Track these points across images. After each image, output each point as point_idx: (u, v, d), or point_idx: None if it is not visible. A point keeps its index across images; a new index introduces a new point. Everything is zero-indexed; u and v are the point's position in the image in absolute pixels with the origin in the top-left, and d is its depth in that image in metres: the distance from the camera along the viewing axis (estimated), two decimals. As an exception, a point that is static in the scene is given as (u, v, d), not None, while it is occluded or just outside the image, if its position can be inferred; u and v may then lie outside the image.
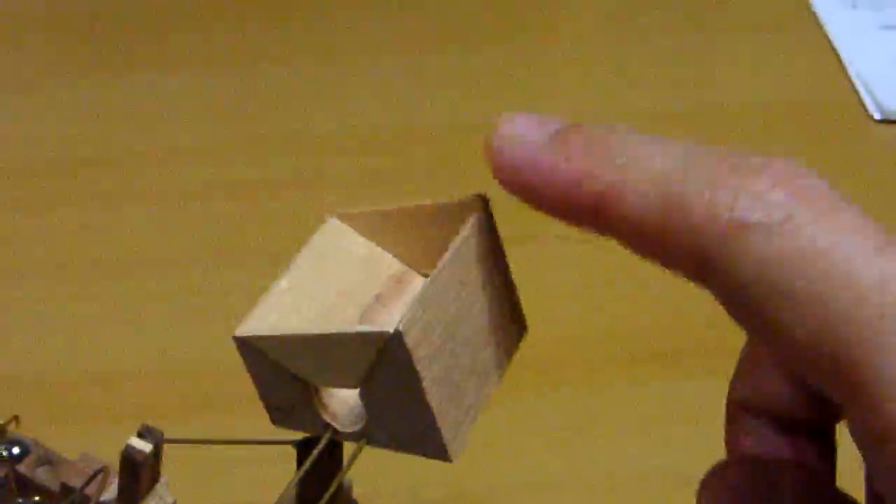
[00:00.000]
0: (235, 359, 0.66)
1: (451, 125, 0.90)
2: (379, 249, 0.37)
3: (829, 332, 0.26)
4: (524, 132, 0.30)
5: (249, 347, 0.34)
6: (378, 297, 0.36)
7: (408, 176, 0.84)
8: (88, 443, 0.50)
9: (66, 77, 0.96)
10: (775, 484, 0.32)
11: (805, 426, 0.34)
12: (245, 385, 0.63)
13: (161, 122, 0.91)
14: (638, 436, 0.61)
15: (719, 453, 0.58)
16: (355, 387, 0.33)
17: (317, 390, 0.34)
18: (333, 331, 0.32)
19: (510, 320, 0.36)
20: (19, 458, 0.51)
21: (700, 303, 0.67)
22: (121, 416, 0.52)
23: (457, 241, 0.33)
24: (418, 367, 0.31)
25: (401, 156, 0.86)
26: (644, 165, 0.28)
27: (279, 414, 0.36)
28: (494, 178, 0.31)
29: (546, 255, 0.73)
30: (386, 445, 0.34)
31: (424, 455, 0.34)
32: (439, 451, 0.33)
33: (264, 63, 0.97)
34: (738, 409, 0.35)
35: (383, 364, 0.31)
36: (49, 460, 0.51)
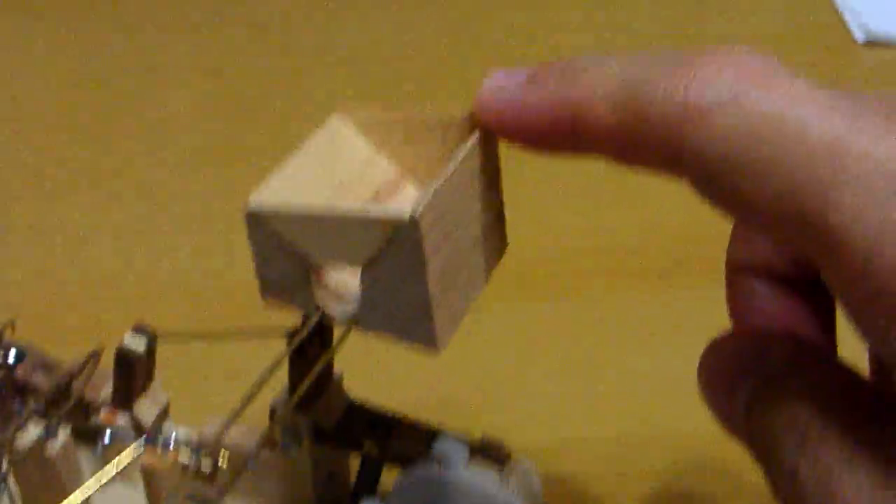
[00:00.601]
0: (226, 277, 0.68)
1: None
2: (377, 152, 0.38)
3: (791, 194, 0.27)
4: (503, 83, 0.33)
5: (258, 221, 0.35)
6: (376, 195, 0.37)
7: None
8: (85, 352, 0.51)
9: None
10: (765, 353, 0.33)
11: (802, 286, 0.35)
12: (236, 301, 0.65)
13: (178, 39, 0.92)
14: (637, 345, 0.62)
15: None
16: (359, 268, 0.34)
17: (315, 271, 0.35)
18: (350, 211, 0.33)
19: (496, 235, 0.37)
20: (15, 362, 0.52)
21: (703, 214, 0.67)
22: (117, 327, 0.53)
23: (465, 149, 0.34)
24: (427, 254, 0.32)
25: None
26: (608, 74, 0.31)
27: (272, 290, 0.36)
28: (484, 127, 0.34)
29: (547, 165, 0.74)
30: (375, 329, 0.35)
31: (412, 341, 0.35)
32: (428, 339, 0.34)
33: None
34: (737, 271, 0.36)
35: (392, 247, 0.32)
36: (46, 365, 0.52)
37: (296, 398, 0.35)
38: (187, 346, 0.49)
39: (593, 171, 0.76)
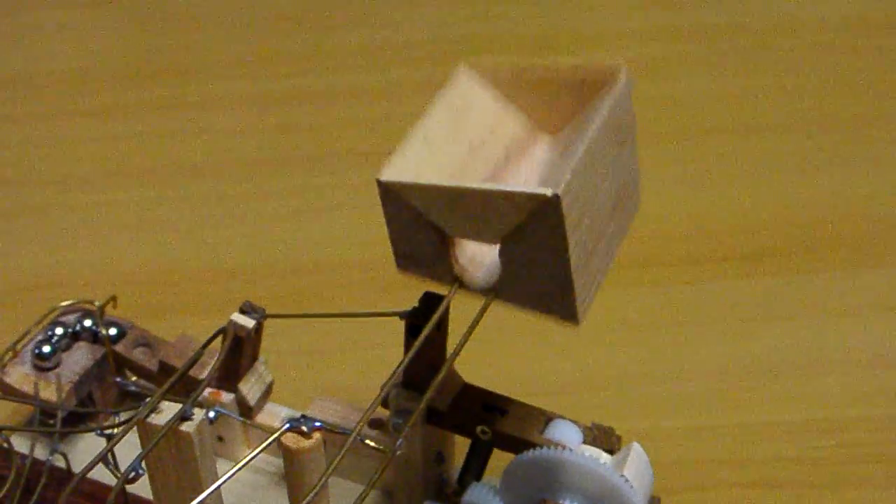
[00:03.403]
0: (325, 255, 0.67)
1: (515, 36, 0.90)
2: (507, 105, 0.37)
3: None
4: None
5: (392, 193, 0.34)
6: (507, 154, 0.37)
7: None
8: (184, 330, 0.51)
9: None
10: None
11: None
12: (338, 279, 0.65)
13: (232, 30, 0.92)
14: (728, 330, 0.62)
15: (803, 348, 0.60)
16: (496, 242, 0.33)
17: (452, 244, 0.35)
18: (489, 188, 0.33)
19: (631, 195, 0.37)
20: (117, 338, 0.52)
21: (786, 204, 0.67)
22: (216, 308, 0.53)
23: (604, 110, 0.33)
24: (567, 231, 0.32)
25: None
26: None
27: (408, 261, 0.36)
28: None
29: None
30: (515, 302, 0.35)
31: (551, 314, 0.35)
32: (568, 312, 0.34)
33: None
34: None
35: (533, 225, 0.32)
36: (146, 342, 0.52)
37: (431, 389, 0.35)
38: (288, 326, 0.49)
39: (682, 157, 0.77)
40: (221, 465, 0.47)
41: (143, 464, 0.36)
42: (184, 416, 0.35)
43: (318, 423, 0.34)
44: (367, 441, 0.32)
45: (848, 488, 0.54)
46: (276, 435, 0.33)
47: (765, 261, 0.67)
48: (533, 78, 0.36)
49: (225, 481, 0.34)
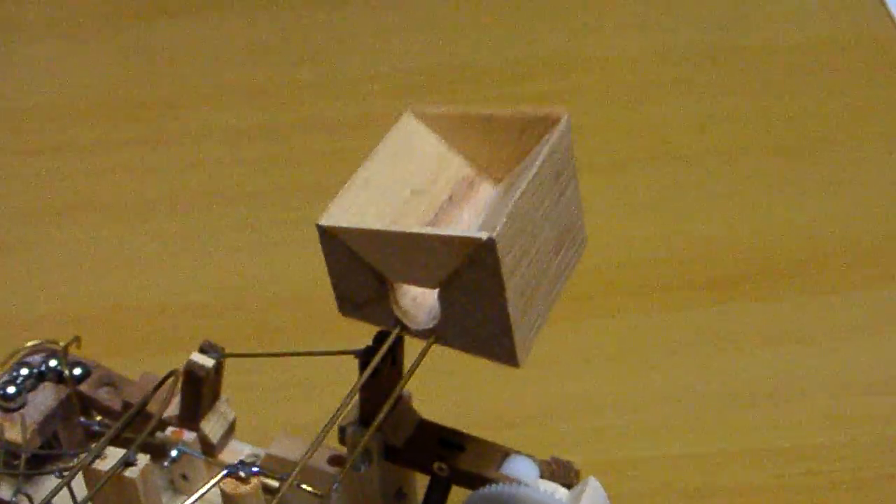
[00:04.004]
0: (288, 290, 0.68)
1: (493, 64, 0.91)
2: (450, 150, 0.38)
3: None
4: None
5: (331, 237, 0.35)
6: (451, 199, 0.37)
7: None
8: (148, 369, 0.51)
9: (108, 22, 0.98)
10: None
11: None
12: (299, 314, 0.65)
13: (207, 64, 0.93)
14: (692, 359, 0.62)
15: (768, 376, 0.60)
16: (435, 287, 0.34)
17: (392, 287, 0.35)
18: (425, 232, 0.33)
19: (576, 233, 0.37)
20: (81, 378, 0.52)
21: (750, 231, 0.67)
22: (180, 345, 0.53)
23: (543, 155, 0.34)
24: (504, 275, 0.32)
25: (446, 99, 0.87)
26: None
27: (350, 305, 0.36)
28: None
29: (600, 184, 0.74)
30: (455, 345, 0.35)
31: (491, 358, 0.35)
32: (508, 355, 0.34)
33: (301, 8, 0.98)
34: None
35: (470, 268, 0.32)
36: (110, 381, 0.52)
37: (376, 424, 0.35)
38: (251, 362, 0.50)
39: (644, 185, 0.77)
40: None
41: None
42: (127, 462, 0.35)
43: (255, 470, 0.34)
44: (303, 486, 0.32)
45: (815, 516, 0.54)
46: (214, 481, 0.33)
47: (729, 288, 0.67)
48: (475, 125, 0.37)
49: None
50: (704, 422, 0.58)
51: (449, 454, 0.44)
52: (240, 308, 0.68)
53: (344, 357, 0.43)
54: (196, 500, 0.32)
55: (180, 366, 0.45)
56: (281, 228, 0.73)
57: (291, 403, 0.58)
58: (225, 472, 0.33)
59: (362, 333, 0.42)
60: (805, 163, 0.77)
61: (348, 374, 0.46)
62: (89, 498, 0.34)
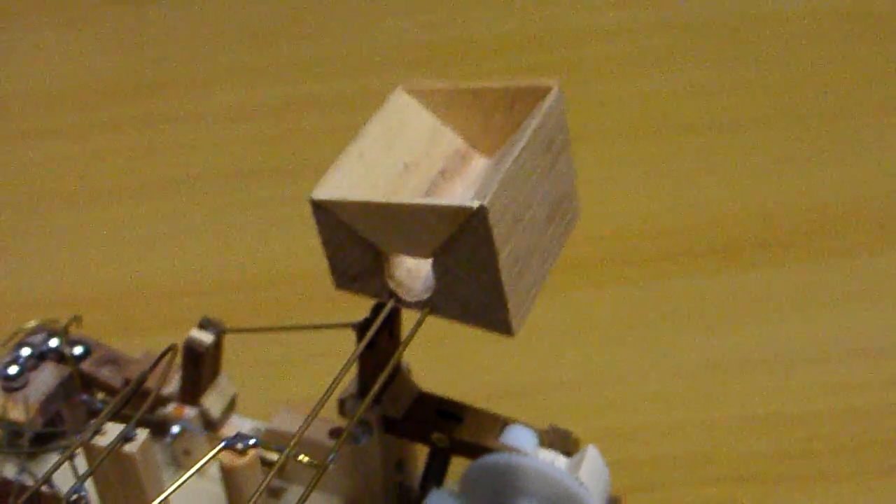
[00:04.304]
0: (288, 267, 0.68)
1: (490, 37, 0.90)
2: (443, 125, 0.38)
3: None
4: None
5: (325, 211, 0.35)
6: (442, 172, 0.37)
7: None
8: (149, 347, 0.51)
9: (101, 4, 0.97)
10: None
11: None
12: (299, 291, 0.66)
13: (202, 45, 0.93)
14: (692, 327, 0.62)
15: (770, 343, 0.60)
16: (429, 257, 0.34)
17: (386, 259, 0.35)
18: (417, 202, 0.33)
19: (569, 204, 0.37)
20: (82, 357, 0.52)
21: (750, 199, 0.67)
22: (181, 324, 0.53)
23: (533, 125, 0.34)
24: (496, 243, 0.32)
25: (442, 74, 0.87)
26: None
27: (345, 278, 0.36)
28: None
29: (597, 155, 0.74)
30: (450, 316, 0.35)
31: (486, 327, 0.35)
32: (502, 324, 0.34)
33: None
34: None
35: (462, 238, 0.32)
36: (112, 359, 0.52)
37: (371, 395, 0.35)
38: (252, 338, 0.50)
39: (642, 156, 0.77)
40: (192, 481, 0.47)
41: (92, 485, 0.37)
42: (126, 437, 0.35)
43: (252, 441, 0.34)
44: (301, 458, 0.32)
45: (817, 481, 0.54)
46: (211, 454, 0.33)
47: (730, 256, 0.67)
48: (466, 98, 0.37)
49: (164, 498, 0.35)
50: (704, 389, 0.59)
51: (448, 425, 0.44)
52: (240, 286, 0.68)
53: (345, 331, 0.43)
54: (194, 473, 0.33)
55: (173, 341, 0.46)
56: (278, 206, 0.74)
57: (293, 378, 0.58)
58: (222, 444, 0.34)
59: (363, 308, 0.43)
60: (806, 131, 0.77)
61: (350, 348, 0.46)
62: (89, 473, 0.35)
